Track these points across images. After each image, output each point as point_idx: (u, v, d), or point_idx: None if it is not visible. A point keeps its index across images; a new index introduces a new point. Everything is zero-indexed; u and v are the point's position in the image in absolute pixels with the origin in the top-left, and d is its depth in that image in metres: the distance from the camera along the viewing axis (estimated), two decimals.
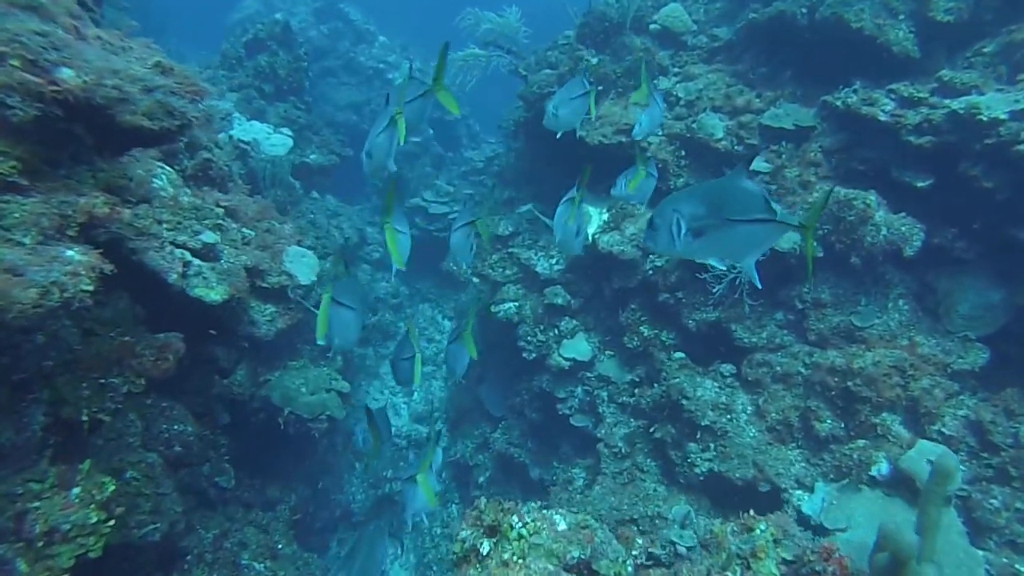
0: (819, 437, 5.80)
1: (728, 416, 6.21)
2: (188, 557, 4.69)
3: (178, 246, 4.46)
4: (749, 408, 6.26)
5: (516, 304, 7.82)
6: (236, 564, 4.80)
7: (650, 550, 6.12)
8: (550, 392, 7.43)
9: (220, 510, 6.45)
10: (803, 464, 5.88)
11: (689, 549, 6.07)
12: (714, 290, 6.37)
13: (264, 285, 4.95)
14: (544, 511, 3.68)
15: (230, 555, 4.81)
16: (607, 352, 7.38)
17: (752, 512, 4.02)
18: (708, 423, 6.16)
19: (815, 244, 6.03)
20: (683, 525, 6.12)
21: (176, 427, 4.48)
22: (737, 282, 6.26)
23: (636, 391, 6.82)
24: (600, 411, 7.20)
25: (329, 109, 13.11)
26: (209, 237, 4.60)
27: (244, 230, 5.06)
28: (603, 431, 6.98)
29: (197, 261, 4.47)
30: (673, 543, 6.11)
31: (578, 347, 7.34)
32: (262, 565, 4.85)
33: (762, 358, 6.31)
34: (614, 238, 7.08)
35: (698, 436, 6.20)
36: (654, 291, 6.96)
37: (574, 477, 7.19)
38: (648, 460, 6.61)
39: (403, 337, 7.30)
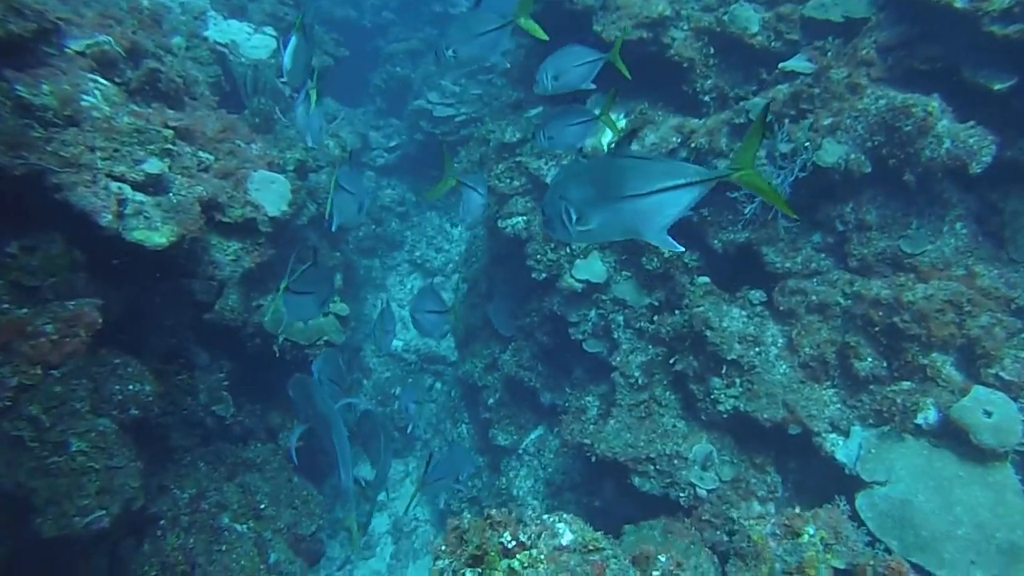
0: (858, 377, 5.09)
1: (756, 349, 5.49)
2: (161, 522, 4.16)
3: (115, 178, 3.70)
4: (780, 341, 5.53)
5: (525, 219, 7.02)
6: (215, 528, 4.27)
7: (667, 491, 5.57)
8: (562, 315, 6.73)
9: (213, 447, 5.95)
10: (838, 406, 5.20)
11: (709, 492, 5.50)
12: (745, 209, 5.52)
13: (225, 220, 4.20)
14: (545, 519, 3.00)
15: (208, 517, 4.28)
16: (623, 273, 6.61)
17: (797, 509, 3.31)
18: (734, 357, 5.45)
19: (863, 158, 5.13)
20: (704, 466, 5.52)
21: (131, 387, 3.85)
22: None
23: (655, 318, 6.10)
24: (615, 337, 6.51)
25: (325, 3, 11.92)
26: (154, 166, 3.83)
27: (201, 154, 4.27)
28: (618, 359, 6.31)
29: (139, 196, 3.73)
30: (693, 485, 5.54)
31: (592, 267, 6.57)
32: (244, 526, 4.32)
33: (796, 285, 5.53)
34: (633, 147, 6.17)
35: (723, 371, 5.51)
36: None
37: (587, 406, 6.58)
38: (667, 393, 5.96)
39: (425, 287, 6.54)
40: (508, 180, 7.18)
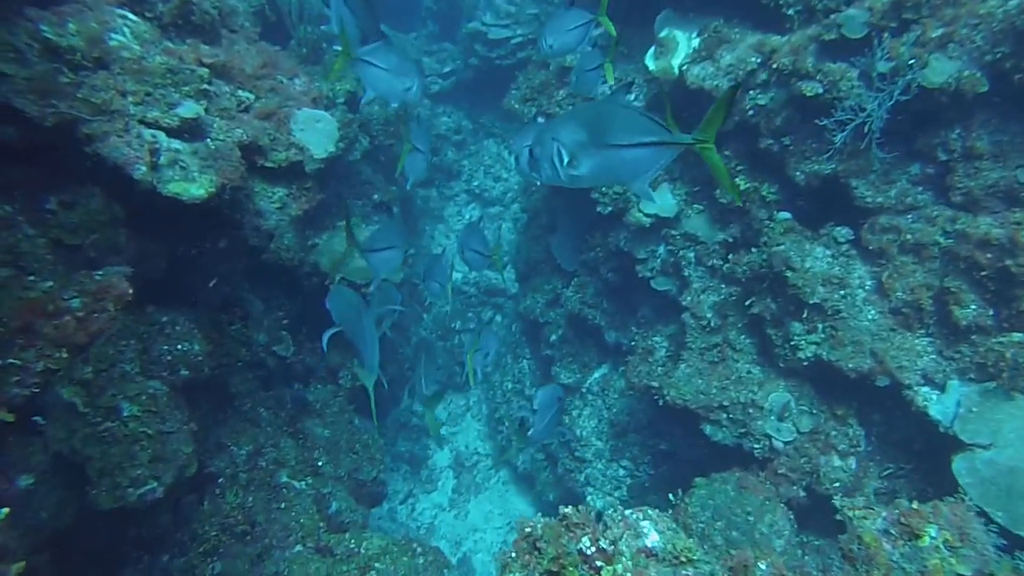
0: (958, 326, 4.56)
1: (842, 292, 4.99)
2: (220, 480, 3.99)
3: (149, 125, 3.37)
4: (868, 283, 5.00)
5: None
6: (274, 485, 4.09)
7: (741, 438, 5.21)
8: (628, 252, 6.29)
9: (274, 392, 5.79)
10: (933, 356, 4.69)
11: (786, 444, 5.11)
12: (835, 137, 4.91)
13: (268, 164, 3.85)
14: (628, 516, 2.65)
15: (266, 475, 4.10)
16: (695, 206, 6.09)
17: (914, 504, 2.88)
18: (817, 300, 4.97)
19: (978, 74, 4.46)
20: (781, 417, 5.12)
21: (180, 346, 3.62)
22: (866, 128, 4.78)
23: (730, 256, 5.60)
24: (686, 274, 6.05)
25: None
26: (189, 109, 3.47)
27: (240, 92, 3.89)
28: (689, 298, 5.87)
29: (175, 143, 3.39)
30: (768, 436, 5.16)
31: (662, 201, 6.07)
32: (302, 483, 4.13)
33: (888, 222, 4.96)
34: (706, 70, 5.57)
35: (804, 315, 5.04)
36: (754, 135, 5.53)
37: (655, 347, 6.19)
38: (742, 337, 5.52)
39: (471, 223, 6.11)
40: (569, 107, 6.65)
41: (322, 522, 4.00)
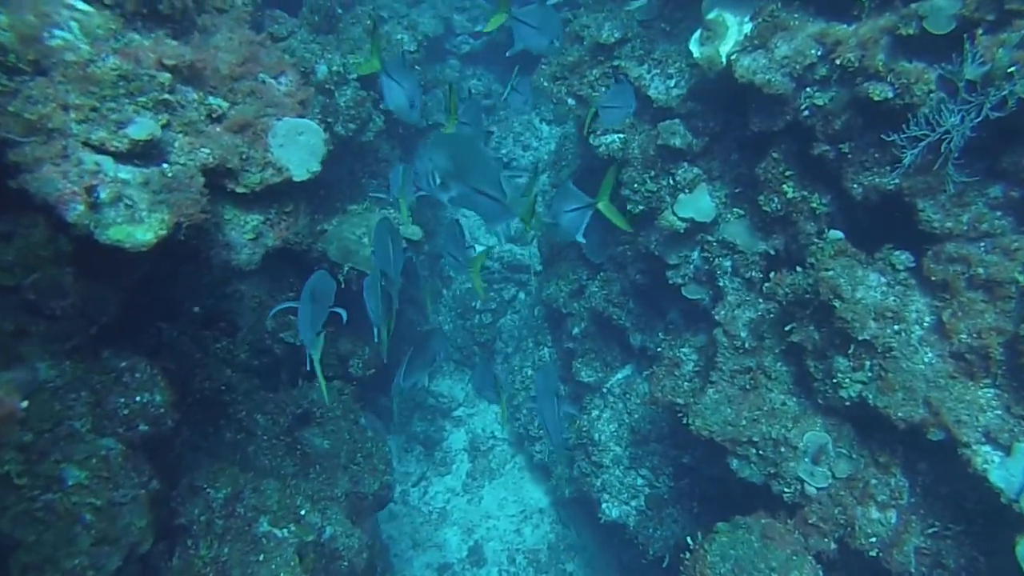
0: None
1: (896, 328, 4.30)
2: (194, 528, 3.53)
3: (93, 148, 2.78)
4: (927, 320, 4.30)
5: (622, 137, 5.77)
6: (252, 534, 3.62)
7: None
8: (659, 256, 5.61)
9: (273, 397, 5.31)
10: (999, 412, 4.02)
11: (820, 491, 4.51)
12: (904, 155, 4.14)
13: (240, 190, 3.24)
14: None
15: (244, 522, 3.63)
16: (735, 210, 5.37)
17: None
18: (867, 337, 4.29)
19: None
20: (816, 459, 4.50)
21: (139, 397, 3.10)
22: (944, 147, 3.99)
23: (772, 275, 4.89)
24: (720, 285, 5.38)
25: None
26: (143, 129, 2.85)
27: (212, 100, 3.25)
28: (723, 312, 5.21)
29: (123, 172, 2.80)
30: (801, 481, 4.55)
31: (698, 203, 5.36)
32: (284, 531, 3.66)
33: (957, 250, 4.22)
34: (758, 61, 4.77)
35: (851, 350, 4.37)
36: (808, 138, 4.76)
37: (682, 359, 5.57)
38: (778, 364, 4.88)
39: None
40: (604, 89, 5.88)
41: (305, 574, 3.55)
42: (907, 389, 4.17)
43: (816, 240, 4.73)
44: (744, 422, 4.76)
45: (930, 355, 4.22)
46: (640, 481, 6.17)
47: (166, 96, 3.01)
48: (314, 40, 5.84)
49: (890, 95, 4.22)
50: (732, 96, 5.10)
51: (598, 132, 5.87)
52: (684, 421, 5.03)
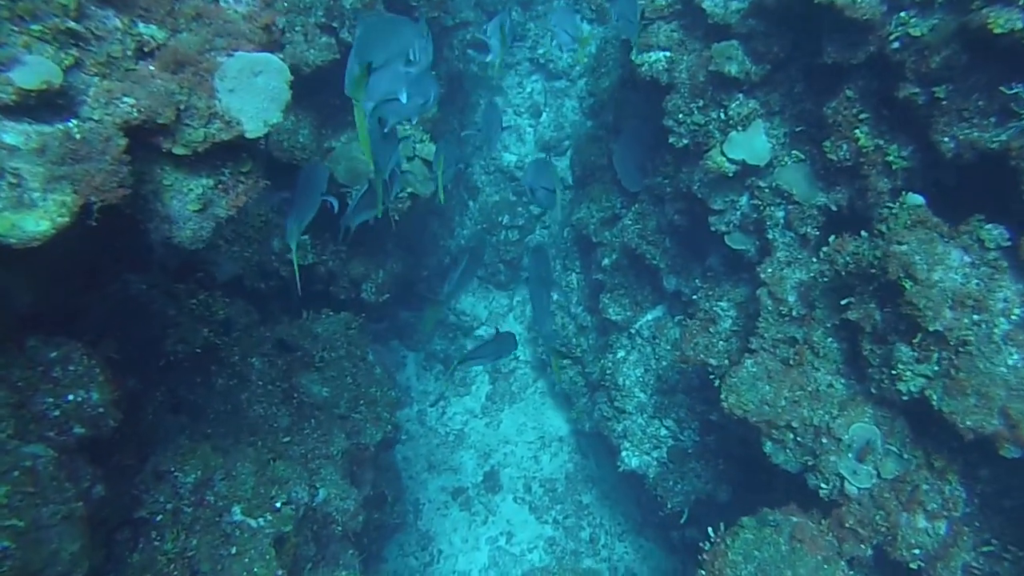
0: None
1: (976, 318, 3.54)
2: (159, 518, 3.10)
3: None
4: (1017, 313, 3.52)
5: (668, 56, 4.83)
6: (223, 524, 3.18)
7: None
8: (702, 199, 4.80)
9: (271, 334, 4.81)
10: None
11: (860, 491, 3.92)
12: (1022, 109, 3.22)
13: (178, 150, 2.53)
14: None
15: (215, 512, 3.19)
16: (794, 153, 4.50)
17: None
18: (940, 328, 3.54)
19: None
20: (861, 456, 3.89)
21: (72, 396, 2.56)
22: None
23: (832, 239, 4.08)
24: (770, 237, 4.61)
25: None
26: (33, 74, 2.13)
27: (142, 27, 2.49)
28: (769, 270, 4.47)
29: (8, 136, 2.14)
30: (841, 477, 3.96)
31: (752, 143, 4.49)
32: (259, 520, 3.23)
33: None
34: None
35: (917, 340, 3.63)
36: (894, 76, 3.83)
37: (719, 314, 4.89)
38: (828, 340, 4.17)
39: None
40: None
41: (281, 569, 3.15)
42: (981, 394, 3.46)
43: (889, 202, 3.88)
44: (783, 403, 4.13)
45: (1016, 357, 3.47)
46: (664, 432, 5.65)
47: (70, 24, 2.29)
48: None
49: (1019, 26, 3.24)
50: (804, 15, 4.12)
51: (642, 45, 4.92)
52: (716, 388, 4.44)
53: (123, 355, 3.45)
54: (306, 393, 4.49)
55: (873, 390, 3.90)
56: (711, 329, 4.87)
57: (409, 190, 5.45)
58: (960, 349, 3.53)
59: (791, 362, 4.22)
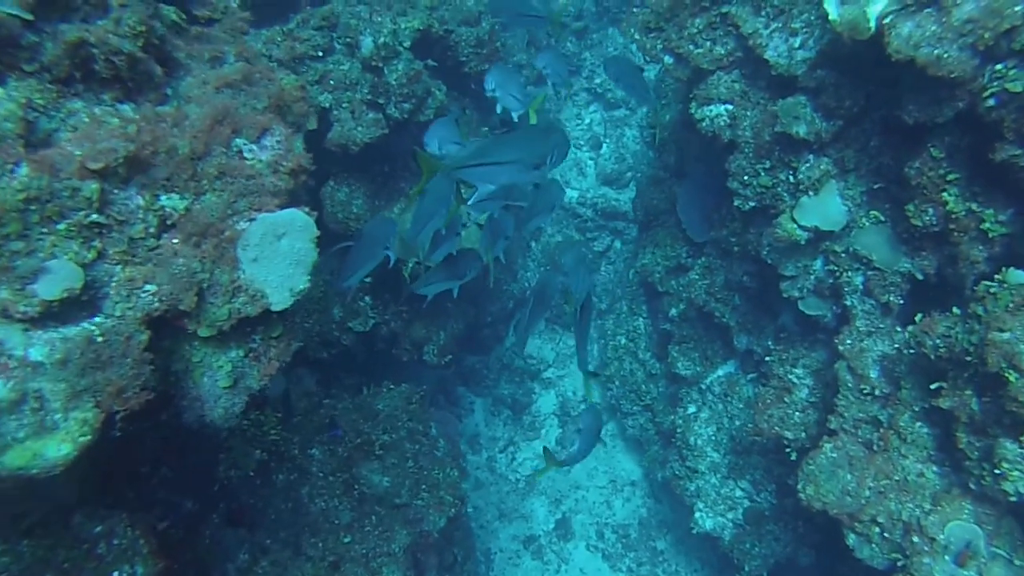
0: None
1: None
2: None
3: None
4: None
5: (730, 110, 4.43)
6: None
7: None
8: (772, 265, 4.39)
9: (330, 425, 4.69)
10: None
11: None
12: None
13: (202, 332, 2.36)
14: None
15: None
16: (872, 213, 4.05)
17: None
18: None
19: None
20: (960, 560, 3.46)
21: (116, 573, 2.42)
22: None
23: (919, 318, 3.63)
24: (848, 304, 4.16)
25: None
26: (56, 283, 2.01)
27: (164, 199, 2.33)
28: (848, 341, 4.06)
29: (33, 353, 2.00)
30: None
31: (826, 208, 4.06)
32: None
33: None
34: (924, 29, 3.31)
35: None
36: (990, 134, 3.35)
37: (795, 383, 4.49)
38: (917, 424, 3.72)
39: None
40: (707, 43, 4.47)
41: None
42: None
43: (988, 280, 3.40)
44: (868, 493, 3.72)
45: None
46: (739, 493, 5.29)
47: (94, 217, 2.16)
48: (360, 1, 4.72)
49: None
50: (878, 64, 3.66)
51: (701, 98, 4.53)
52: (791, 452, 4.07)
53: (178, 479, 3.37)
54: (367, 484, 4.35)
55: (972, 485, 3.46)
56: (786, 399, 4.47)
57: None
58: None
59: (875, 447, 3.81)
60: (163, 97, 2.64)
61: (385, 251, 3.78)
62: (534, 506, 6.83)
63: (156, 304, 2.20)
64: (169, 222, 2.38)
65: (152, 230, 2.32)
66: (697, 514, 5.38)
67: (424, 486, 4.56)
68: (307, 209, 2.52)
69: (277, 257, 2.40)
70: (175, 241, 2.36)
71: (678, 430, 5.51)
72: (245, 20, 3.18)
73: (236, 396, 2.39)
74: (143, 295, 2.21)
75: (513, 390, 7.22)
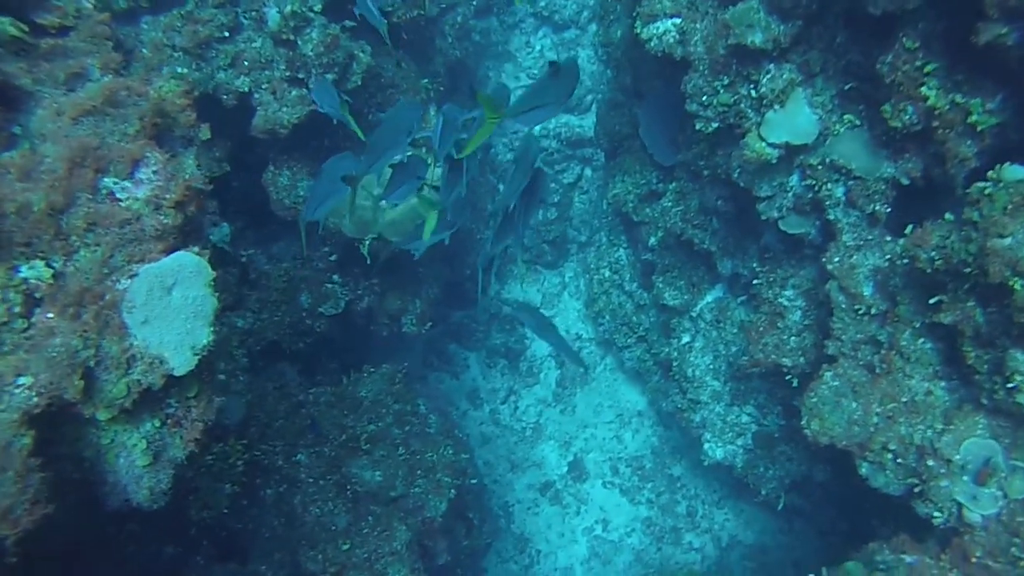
0: None
1: None
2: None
3: None
4: None
5: (677, 24, 3.93)
6: None
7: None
8: (745, 188, 4.00)
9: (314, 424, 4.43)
10: None
11: (985, 517, 3.28)
12: None
13: (101, 415, 2.03)
14: None
15: None
16: (846, 117, 3.62)
17: None
18: None
19: None
20: (980, 477, 3.23)
21: None
22: None
23: (910, 229, 3.27)
24: (831, 218, 3.79)
25: None
26: None
27: (24, 270, 1.96)
28: (836, 259, 3.72)
29: None
30: (958, 504, 3.32)
31: (794, 121, 3.63)
32: None
33: None
34: None
35: None
36: (969, 14, 2.90)
37: (786, 306, 4.18)
38: (920, 340, 3.42)
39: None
40: None
41: None
42: None
43: (978, 177, 3.02)
44: (876, 420, 3.46)
45: None
46: (746, 418, 5.07)
47: None
48: None
49: None
50: None
51: (645, 15, 4.03)
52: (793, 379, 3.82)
53: (153, 526, 3.13)
54: (359, 482, 4.12)
55: (984, 400, 3.18)
56: (779, 324, 4.17)
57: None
58: None
59: (877, 370, 3.52)
60: (9, 140, 2.23)
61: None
62: (544, 452, 6.67)
63: (35, 399, 1.87)
64: (37, 295, 2.02)
65: (17, 310, 1.97)
66: (706, 445, 5.18)
67: (419, 471, 4.33)
68: (196, 249, 2.14)
69: (170, 313, 2.05)
70: (49, 316, 2.00)
71: (674, 363, 5.24)
72: (104, 22, 2.72)
73: (160, 472, 2.09)
74: (16, 391, 1.87)
75: (505, 338, 6.94)
